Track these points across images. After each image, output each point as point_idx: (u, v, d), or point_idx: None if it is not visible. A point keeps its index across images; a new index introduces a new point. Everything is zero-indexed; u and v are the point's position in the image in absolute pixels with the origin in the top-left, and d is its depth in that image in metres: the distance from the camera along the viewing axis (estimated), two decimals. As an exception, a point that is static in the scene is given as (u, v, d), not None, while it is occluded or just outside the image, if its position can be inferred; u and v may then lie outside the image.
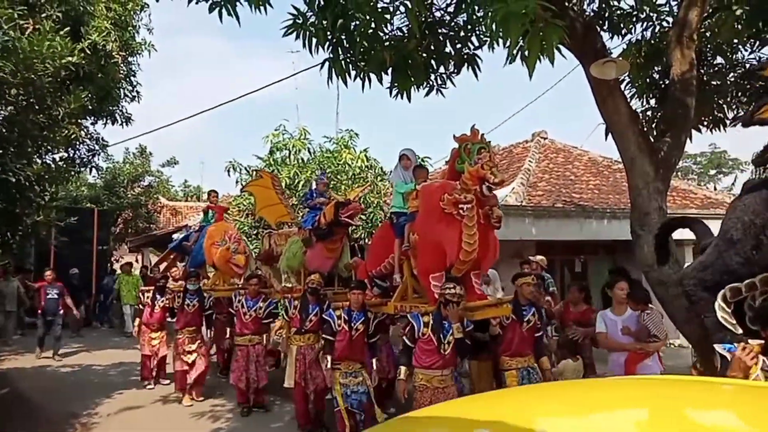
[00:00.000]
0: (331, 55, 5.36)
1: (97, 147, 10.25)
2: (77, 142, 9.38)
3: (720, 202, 12.84)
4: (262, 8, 4.83)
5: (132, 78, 10.09)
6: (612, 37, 6.88)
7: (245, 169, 11.47)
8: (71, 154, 9.68)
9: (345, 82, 5.44)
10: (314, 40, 5.13)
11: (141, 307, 9.01)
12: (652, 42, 6.80)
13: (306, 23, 5.07)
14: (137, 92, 10.29)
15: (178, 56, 69.84)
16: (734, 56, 7.58)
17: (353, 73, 5.54)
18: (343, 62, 5.39)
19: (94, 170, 10.68)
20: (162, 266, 11.35)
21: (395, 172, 6.13)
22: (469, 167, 4.85)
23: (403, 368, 5.01)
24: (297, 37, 5.13)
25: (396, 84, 5.80)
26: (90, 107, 8.56)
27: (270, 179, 7.83)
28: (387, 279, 6.28)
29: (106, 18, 8.74)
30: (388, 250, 6.03)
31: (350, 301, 5.81)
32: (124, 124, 10.27)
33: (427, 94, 6.51)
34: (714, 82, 7.25)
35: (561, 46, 5.51)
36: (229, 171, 11.37)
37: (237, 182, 11.53)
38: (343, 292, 7.03)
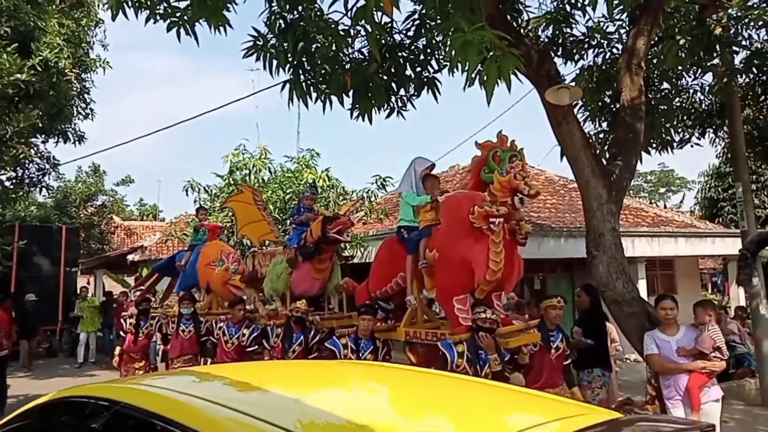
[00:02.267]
0: (292, 77, 5.35)
1: (47, 166, 9.91)
2: (26, 161, 9.03)
3: (669, 219, 13.36)
4: (221, 28, 4.80)
5: (85, 95, 9.84)
6: (565, 63, 7.14)
7: (204, 188, 11.27)
8: (20, 174, 9.31)
9: (306, 105, 5.45)
10: (275, 62, 5.12)
11: (123, 334, 8.17)
12: (604, 68, 7.09)
13: (266, 45, 5.06)
14: (91, 110, 10.03)
15: (136, 73, 68.48)
16: (679, 82, 7.99)
17: (314, 95, 5.55)
18: (303, 84, 5.39)
19: (44, 190, 10.29)
20: (134, 291, 10.46)
21: (405, 182, 5.47)
22: (500, 177, 4.34)
23: None
24: (257, 59, 5.11)
25: (357, 106, 5.84)
26: (41, 125, 8.30)
27: (251, 194, 7.34)
28: (390, 300, 5.66)
29: (58, 34, 8.51)
30: (395, 268, 5.36)
31: (358, 327, 5.06)
32: (77, 142, 9.98)
33: (388, 116, 6.59)
34: (661, 107, 7.60)
35: (517, 73, 5.70)
36: (187, 191, 11.14)
37: (195, 202, 11.31)
38: (336, 317, 6.56)
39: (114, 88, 51.85)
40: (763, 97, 7.88)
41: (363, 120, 5.95)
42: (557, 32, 6.86)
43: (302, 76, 5.38)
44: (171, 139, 72.05)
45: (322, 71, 5.35)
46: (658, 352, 4.59)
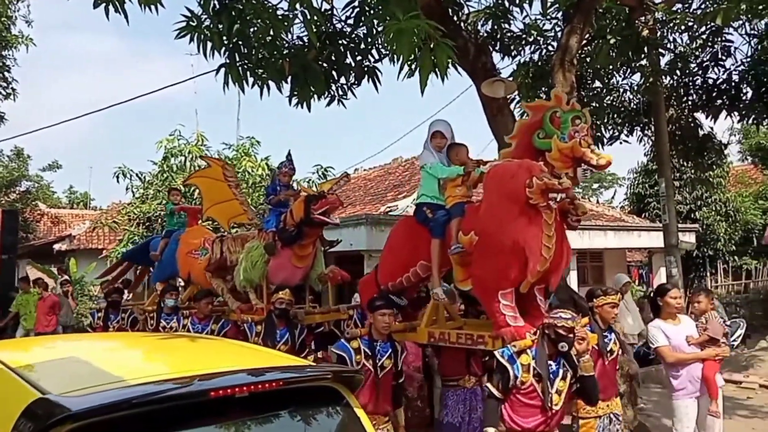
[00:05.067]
0: (228, 61, 5.20)
1: (-38, 148, 9.20)
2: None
3: (600, 214, 13.99)
4: (152, 7, 4.58)
5: (6, 73, 9.20)
6: (503, 58, 7.30)
7: (136, 175, 10.84)
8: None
9: (242, 89, 5.31)
10: (209, 44, 4.95)
11: (90, 330, 7.51)
12: (539, 64, 7.29)
13: (200, 26, 4.88)
14: (12, 89, 9.39)
15: (71, 56, 64.84)
16: (610, 81, 8.34)
17: (251, 79, 5.42)
18: (240, 68, 5.25)
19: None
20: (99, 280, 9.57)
21: (426, 153, 4.48)
22: (560, 143, 3.51)
23: (491, 431, 3.33)
24: (191, 40, 4.93)
25: (296, 93, 5.75)
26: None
27: (221, 168, 6.23)
28: (403, 294, 4.72)
29: (-27, 6, 7.91)
30: (414, 255, 4.42)
31: (373, 326, 4.02)
32: (-3, 123, 9.31)
33: (329, 104, 6.54)
34: (593, 104, 7.90)
35: (453, 64, 5.78)
36: (118, 177, 10.68)
37: (127, 189, 10.87)
38: (321, 312, 5.90)
39: (45, 70, 48.89)
40: (685, 98, 8.33)
41: (302, 107, 5.86)
42: (496, 27, 7.01)
43: (238, 60, 5.24)
44: (106, 125, 68.87)
45: (259, 56, 5.22)
46: (668, 343, 4.43)
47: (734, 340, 6.33)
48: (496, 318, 3.69)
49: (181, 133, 10.87)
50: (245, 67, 5.31)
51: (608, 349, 4.05)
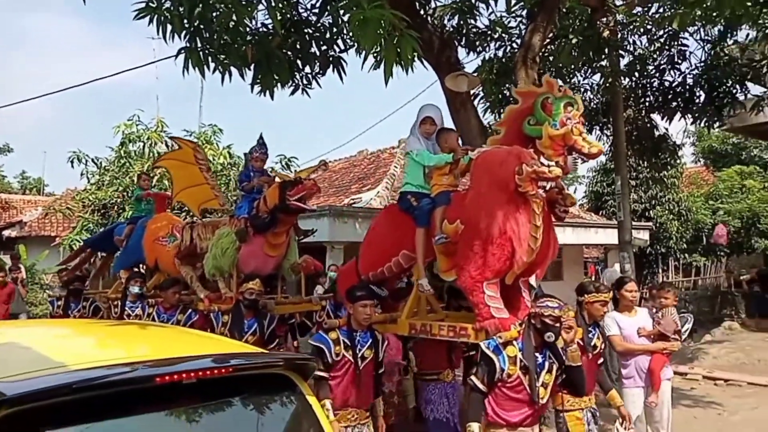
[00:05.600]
0: (188, 45, 5.08)
1: None
2: None
3: (560, 210, 14.28)
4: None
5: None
6: (468, 53, 7.36)
7: (92, 160, 10.50)
8: None
9: (202, 74, 5.19)
10: (169, 27, 4.83)
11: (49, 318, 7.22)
12: (503, 61, 7.38)
13: (160, 7, 4.75)
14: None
15: (31, 38, 62.06)
16: (572, 80, 8.51)
17: (212, 65, 5.31)
18: (201, 53, 5.14)
19: None
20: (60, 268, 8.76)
21: (412, 139, 4.29)
22: (551, 129, 3.39)
23: (476, 427, 3.19)
24: (150, 22, 4.79)
25: (258, 80, 5.66)
26: None
27: (192, 151, 5.96)
28: (384, 285, 4.60)
29: None
30: (396, 244, 4.28)
31: (353, 316, 3.86)
32: (-59, 102, 8.85)
33: (293, 93, 6.48)
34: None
35: (418, 57, 5.80)
36: (72, 162, 10.32)
37: (82, 175, 10.53)
38: (292, 302, 5.72)
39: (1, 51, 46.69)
40: (642, 99, 8.57)
41: (265, 95, 5.79)
42: (462, 23, 7.06)
43: (199, 45, 5.13)
44: (64, 110, 66.24)
45: (221, 41, 5.12)
46: (620, 333, 4.55)
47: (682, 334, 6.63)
48: (480, 309, 3.57)
49: (140, 119, 10.59)
50: (206, 52, 5.20)
51: (592, 344, 4.01)
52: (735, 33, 7.39)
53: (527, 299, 3.74)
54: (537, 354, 3.26)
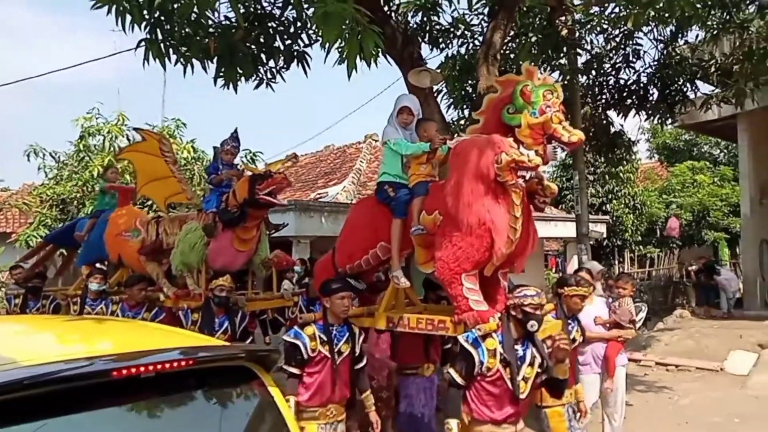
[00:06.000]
0: (149, 36, 5.01)
1: None
2: None
3: (522, 204, 14.58)
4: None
5: None
6: (431, 50, 7.45)
7: (50, 154, 10.20)
8: None
9: (163, 66, 5.12)
10: (129, 18, 4.74)
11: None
12: (466, 57, 7.49)
13: (119, -3, 4.66)
14: None
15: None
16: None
17: (174, 57, 5.25)
18: (162, 45, 5.06)
19: None
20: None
21: (389, 129, 4.19)
22: (530, 118, 3.31)
23: (454, 423, 3.09)
24: (109, 11, 4.70)
25: (221, 74, 5.62)
26: None
27: (157, 142, 5.70)
28: (362, 278, 4.49)
29: None
30: (374, 236, 4.17)
31: (331, 310, 3.73)
32: None
33: (257, 86, 6.44)
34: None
35: (382, 53, 5.84)
36: (29, 156, 10.00)
37: (39, 169, 10.20)
38: (263, 298, 5.58)
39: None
40: (599, 96, 8.83)
41: (228, 88, 5.75)
42: (425, 19, 7.14)
43: (160, 36, 5.06)
44: (21, 102, 63.63)
45: (183, 33, 5.06)
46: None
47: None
48: (458, 302, 3.49)
49: (99, 112, 10.31)
50: (167, 43, 5.13)
51: (571, 337, 3.98)
52: (686, 33, 7.69)
53: (506, 291, 3.67)
54: (517, 347, 3.17)
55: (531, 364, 3.17)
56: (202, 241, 5.19)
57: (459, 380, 3.14)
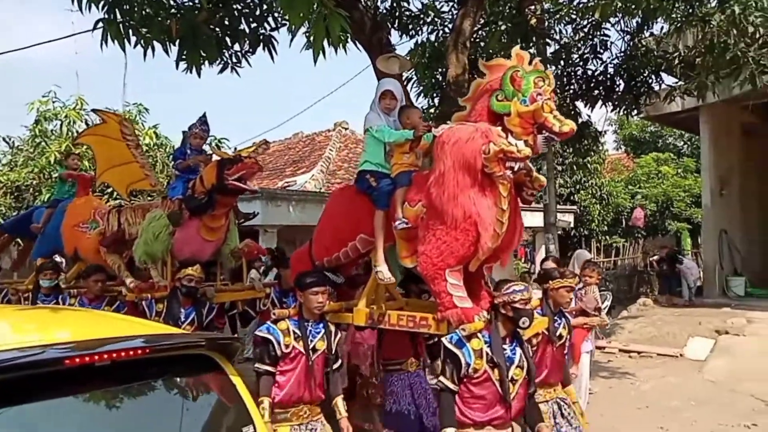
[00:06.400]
0: (107, 16, 4.82)
1: None
2: None
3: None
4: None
5: None
6: (401, 36, 7.38)
7: (3, 139, 9.81)
8: None
9: (122, 48, 4.94)
10: (85, -3, 4.56)
11: None
12: (436, 45, 7.45)
13: (75, -25, 4.48)
14: None
15: None
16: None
17: (133, 39, 5.07)
18: (120, 26, 4.88)
19: None
20: None
21: (372, 115, 3.94)
22: (520, 106, 3.16)
23: None
24: (63, -11, 4.51)
25: (184, 57, 5.45)
26: None
27: (118, 125, 5.32)
28: (340, 271, 4.29)
29: None
30: (353, 227, 3.97)
31: (305, 305, 3.56)
32: None
33: (221, 71, 6.29)
34: (485, 88, 8.24)
35: (350, 38, 5.76)
36: (-21, 141, 9.59)
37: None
38: (233, 289, 5.39)
39: None
40: (567, 86, 8.91)
41: (191, 72, 5.59)
42: (395, 5, 7.06)
43: (119, 17, 4.87)
44: (-32, 82, 60.93)
45: (143, 13, 4.89)
46: None
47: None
48: (442, 298, 3.33)
49: (56, 95, 9.94)
50: (127, 24, 4.95)
51: (557, 333, 3.85)
52: (651, 25, 7.79)
53: (490, 288, 3.53)
54: (505, 346, 3.03)
55: (520, 366, 3.05)
56: (167, 231, 4.92)
57: (451, 386, 2.99)
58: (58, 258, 6.83)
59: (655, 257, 14.28)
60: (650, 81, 8.18)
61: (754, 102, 11.58)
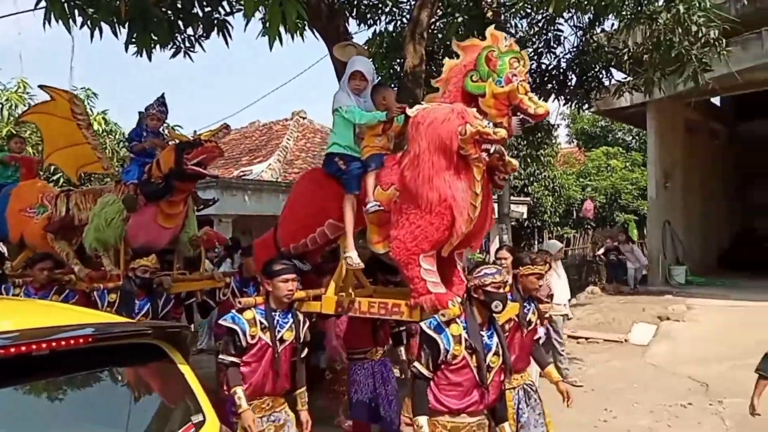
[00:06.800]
0: (50, -6, 4.60)
1: None
2: None
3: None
4: None
5: None
6: (359, 25, 7.34)
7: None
8: None
9: (67, 29, 4.74)
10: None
11: None
12: (394, 35, 7.45)
13: (14, -51, 4.24)
14: None
15: None
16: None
17: (79, 19, 4.86)
18: (66, 5, 4.67)
19: None
20: None
21: (341, 95, 3.76)
22: (495, 87, 3.07)
23: (424, 421, 2.88)
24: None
25: (134, 40, 5.27)
26: None
27: (68, 104, 4.99)
28: (307, 258, 4.12)
29: None
30: (321, 213, 3.81)
31: (274, 293, 3.42)
32: None
33: (174, 55, 6.12)
34: (442, 79, 8.31)
35: (307, 25, 5.69)
36: None
37: None
38: (192, 279, 5.20)
39: None
40: (522, 80, 9.07)
41: (141, 56, 5.42)
42: (353, -7, 7.02)
43: (64, -5, 4.66)
44: None
45: (90, -8, 4.70)
46: None
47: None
48: (415, 284, 3.24)
49: (-4, 77, 9.44)
50: (72, 3, 4.74)
51: (527, 319, 3.82)
52: (602, 22, 8.02)
53: (462, 273, 3.48)
54: (483, 333, 2.98)
55: (497, 353, 3.00)
56: (120, 217, 4.70)
57: (426, 372, 2.92)
58: (1, 246, 6.52)
59: (601, 251, 14.75)
60: (601, 76, 8.42)
61: (696, 99, 12.12)
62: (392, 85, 8.16)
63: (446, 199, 3.11)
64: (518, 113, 3.12)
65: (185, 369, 2.23)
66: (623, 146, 21.55)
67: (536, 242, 17.96)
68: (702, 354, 7.68)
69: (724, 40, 6.53)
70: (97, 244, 4.78)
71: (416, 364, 2.97)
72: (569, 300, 7.11)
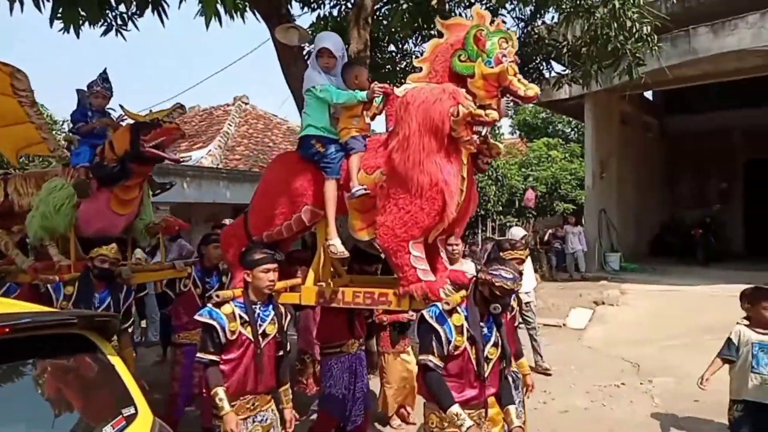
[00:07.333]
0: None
1: None
2: None
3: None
4: None
5: None
6: (303, 9, 7.20)
7: None
8: None
9: (-16, 0, 4.39)
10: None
11: None
12: (338, 19, 7.35)
13: None
14: None
15: None
16: (404, 47, 8.78)
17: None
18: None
19: None
20: None
21: (313, 74, 3.49)
22: (485, 68, 2.95)
23: (457, 408, 2.74)
24: None
25: (60, 15, 4.95)
26: None
27: (9, 77, 4.48)
28: (280, 247, 3.82)
29: None
30: (297, 198, 3.54)
31: (253, 285, 3.22)
32: None
33: (105, 33, 5.83)
34: (387, 67, 8.27)
35: (248, 7, 5.52)
36: None
37: None
38: (151, 269, 4.97)
39: None
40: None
41: (68, 32, 5.12)
42: (297, -24, 6.86)
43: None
44: None
45: (9, -38, 4.37)
46: None
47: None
48: (405, 272, 3.10)
49: None
50: (-11, -28, 4.41)
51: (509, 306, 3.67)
52: (543, 14, 8.20)
53: (445, 260, 3.40)
54: (482, 323, 2.90)
55: (495, 344, 2.93)
56: (70, 203, 4.34)
57: (439, 362, 2.81)
58: None
59: (544, 241, 15.19)
60: (542, 68, 8.63)
61: (631, 92, 12.67)
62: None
63: (437, 183, 2.97)
64: (507, 95, 3.03)
65: (115, 360, 2.12)
66: (563, 137, 22.25)
67: (480, 231, 18.33)
68: (634, 336, 8.07)
69: (655, 36, 6.82)
70: (44, 232, 4.39)
71: (427, 356, 2.83)
72: (534, 288, 7.28)
